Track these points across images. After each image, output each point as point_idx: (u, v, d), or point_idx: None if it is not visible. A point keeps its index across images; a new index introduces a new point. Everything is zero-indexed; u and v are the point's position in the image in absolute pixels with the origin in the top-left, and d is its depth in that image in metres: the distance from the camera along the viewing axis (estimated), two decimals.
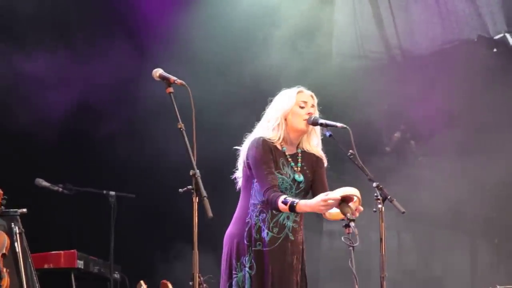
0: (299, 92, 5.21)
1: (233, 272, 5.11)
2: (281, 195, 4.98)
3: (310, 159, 5.24)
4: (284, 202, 4.94)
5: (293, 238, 5.16)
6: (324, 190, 5.03)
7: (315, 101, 5.22)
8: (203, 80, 8.19)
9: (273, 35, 8.78)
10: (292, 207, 4.92)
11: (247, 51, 8.77)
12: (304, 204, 4.93)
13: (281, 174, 5.12)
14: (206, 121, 7.44)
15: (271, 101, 5.26)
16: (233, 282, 5.10)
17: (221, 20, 8.84)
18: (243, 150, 5.19)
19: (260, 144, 5.10)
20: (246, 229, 5.11)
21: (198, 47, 8.72)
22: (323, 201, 4.81)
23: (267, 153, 5.09)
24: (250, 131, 5.24)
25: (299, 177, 5.17)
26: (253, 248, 5.08)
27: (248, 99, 8.03)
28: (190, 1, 8.89)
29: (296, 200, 4.94)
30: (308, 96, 5.21)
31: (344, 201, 4.81)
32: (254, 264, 5.07)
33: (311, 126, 5.17)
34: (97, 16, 8.93)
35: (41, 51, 8.45)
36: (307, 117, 5.13)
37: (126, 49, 8.69)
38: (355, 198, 4.82)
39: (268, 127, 5.17)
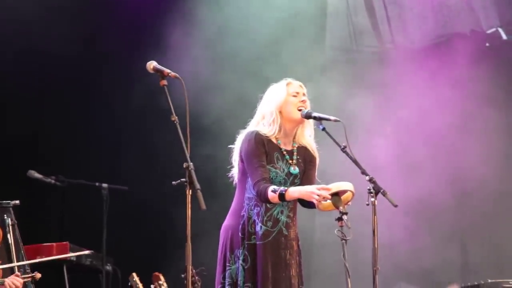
0: (288, 83, 5.26)
1: (227, 264, 5.14)
2: (270, 185, 5.01)
3: (305, 154, 5.27)
4: (274, 191, 4.97)
5: (286, 233, 5.18)
6: None
7: (305, 90, 5.27)
8: None
9: (264, 30, 8.75)
10: (281, 195, 4.96)
11: (238, 43, 8.75)
12: (293, 190, 4.98)
13: (275, 168, 5.14)
14: None
15: (261, 98, 5.28)
16: (226, 274, 5.13)
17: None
18: (237, 145, 5.22)
19: (252, 138, 5.13)
20: (241, 222, 5.14)
21: None
22: (314, 193, 4.85)
23: (259, 146, 5.11)
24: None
25: (294, 170, 5.20)
26: (247, 242, 5.11)
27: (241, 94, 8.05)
28: None
29: (286, 188, 4.97)
30: (297, 86, 5.27)
31: (337, 194, 4.84)
32: (248, 257, 5.09)
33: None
34: None
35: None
36: (300, 104, 5.16)
37: None
38: (348, 192, 4.85)
39: (264, 123, 5.20)
